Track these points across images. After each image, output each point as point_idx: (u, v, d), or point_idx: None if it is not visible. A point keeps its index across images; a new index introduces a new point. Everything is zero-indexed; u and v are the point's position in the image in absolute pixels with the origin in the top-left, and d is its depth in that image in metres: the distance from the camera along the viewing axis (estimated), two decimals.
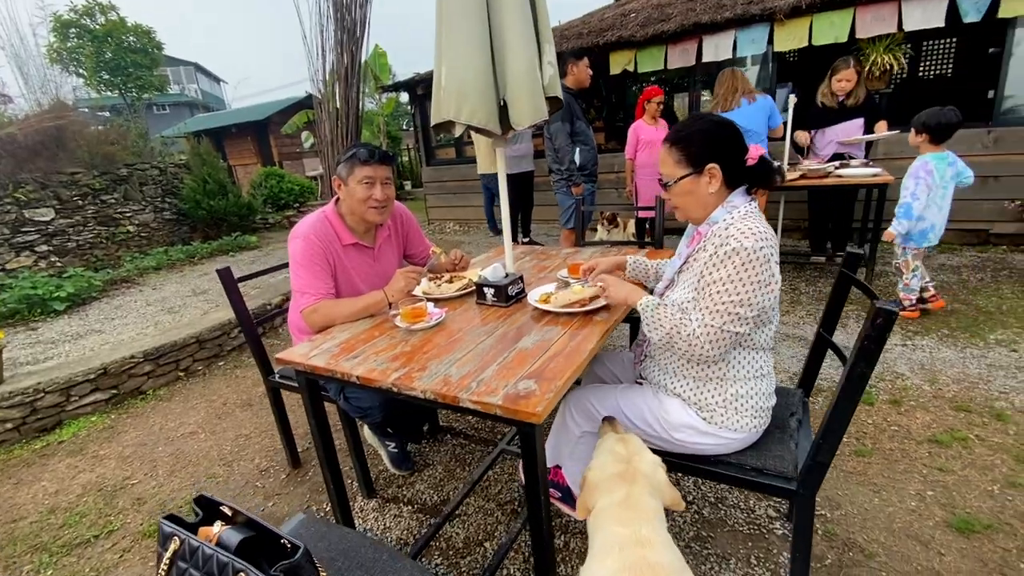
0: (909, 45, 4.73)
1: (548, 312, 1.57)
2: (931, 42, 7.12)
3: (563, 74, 3.85)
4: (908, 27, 4.19)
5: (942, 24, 4.06)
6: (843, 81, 3.73)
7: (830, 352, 1.52)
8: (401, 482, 2.18)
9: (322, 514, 2.03)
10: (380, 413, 1.82)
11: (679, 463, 1.39)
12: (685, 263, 1.40)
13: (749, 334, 1.29)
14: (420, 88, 7.74)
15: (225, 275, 2.04)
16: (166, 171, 7.63)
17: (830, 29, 4.51)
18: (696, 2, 5.50)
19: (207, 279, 5.61)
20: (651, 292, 1.73)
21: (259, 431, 2.70)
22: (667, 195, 1.39)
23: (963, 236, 4.57)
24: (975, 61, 6.48)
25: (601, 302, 1.55)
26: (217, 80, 34.84)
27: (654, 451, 1.19)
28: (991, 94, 4.58)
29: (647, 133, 4.64)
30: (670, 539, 0.97)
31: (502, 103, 1.55)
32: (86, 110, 11.71)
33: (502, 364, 1.25)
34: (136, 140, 7.90)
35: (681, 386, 1.39)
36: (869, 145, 4.07)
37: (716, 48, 5.08)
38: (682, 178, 1.32)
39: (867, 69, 4.67)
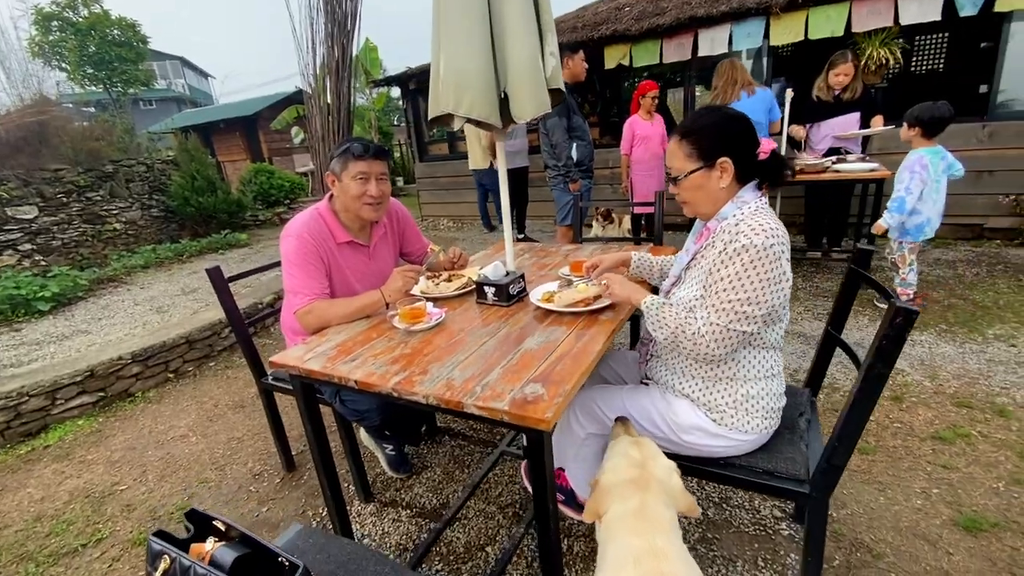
0: (902, 40, 4.72)
1: (552, 311, 1.53)
2: (923, 37, 7.14)
3: None
4: (904, 21, 4.17)
5: (939, 18, 4.05)
6: (841, 75, 3.70)
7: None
8: (399, 485, 2.13)
9: (318, 519, 1.98)
10: (378, 416, 1.77)
11: (688, 466, 1.36)
12: (693, 260, 1.36)
13: (758, 333, 1.25)
14: (412, 83, 7.64)
15: (215, 275, 1.98)
16: (153, 167, 7.48)
17: (826, 23, 4.49)
18: None
19: (196, 277, 5.51)
20: (655, 289, 1.70)
21: (252, 433, 2.63)
22: (675, 190, 1.34)
23: (957, 231, 4.58)
24: (967, 56, 6.50)
25: (605, 301, 1.51)
26: (205, 75, 34.30)
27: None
28: (983, 88, 4.59)
29: (643, 128, 4.60)
30: (685, 549, 0.94)
31: (503, 95, 1.50)
32: (70, 105, 11.46)
33: (507, 367, 1.20)
34: (122, 136, 7.75)
35: (690, 387, 1.35)
36: (866, 140, 4.06)
37: (712, 42, 5.04)
38: (692, 172, 1.27)
39: (863, 63, 4.65)
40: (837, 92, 3.82)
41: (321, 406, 1.62)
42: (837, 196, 4.14)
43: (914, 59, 7.36)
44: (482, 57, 1.41)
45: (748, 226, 1.19)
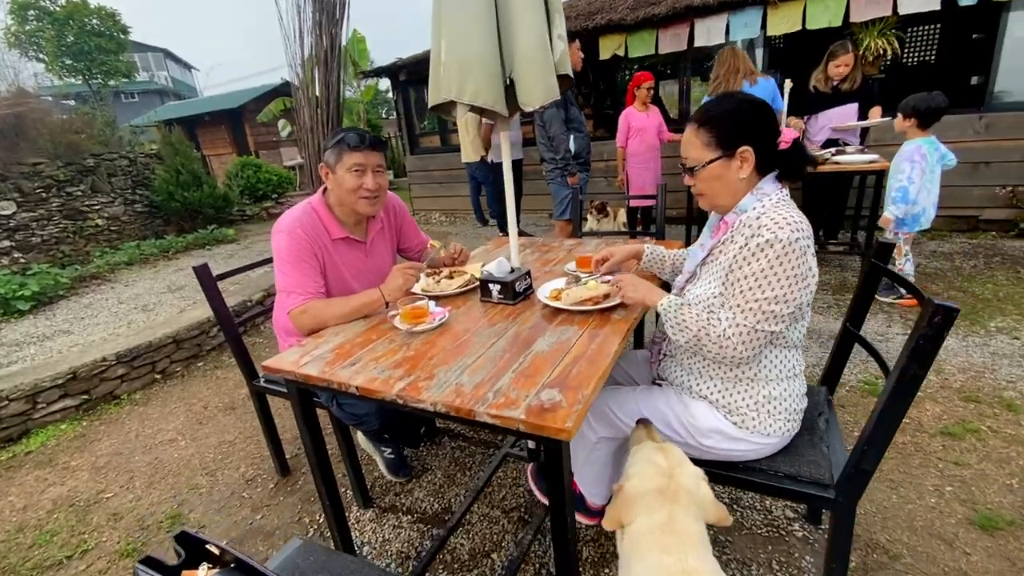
0: (897, 30, 4.68)
1: (561, 310, 1.45)
2: (915, 28, 7.12)
3: None
4: (904, 10, 4.13)
5: (938, 7, 4.01)
6: (842, 66, 3.66)
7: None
8: (399, 489, 2.06)
9: (315, 526, 1.90)
10: (377, 420, 1.69)
11: (706, 471, 1.29)
12: (709, 255, 1.30)
13: (783, 332, 1.19)
14: (403, 74, 7.49)
15: (203, 273, 1.88)
16: (136, 161, 7.28)
17: (824, 13, 4.44)
18: None
19: (183, 274, 5.36)
20: (665, 285, 1.64)
21: (243, 436, 2.54)
22: (691, 180, 1.27)
23: (953, 222, 4.58)
24: (958, 47, 6.49)
25: (616, 299, 1.44)
26: (188, 67, 33.57)
27: None
28: (974, 80, 4.56)
29: (638, 120, 4.53)
30: (718, 566, 0.87)
31: (508, 81, 1.41)
32: (49, 98, 11.11)
33: (518, 371, 1.13)
34: (103, 129, 7.51)
35: (708, 388, 1.29)
36: (864, 131, 4.02)
37: (708, 32, 4.98)
38: (711, 162, 1.20)
39: (860, 54, 4.61)
40: (835, 83, 3.77)
41: (317, 409, 1.54)
42: (836, 188, 4.11)
43: (906, 50, 7.35)
44: (487, 40, 1.32)
45: (771, 219, 1.13)
